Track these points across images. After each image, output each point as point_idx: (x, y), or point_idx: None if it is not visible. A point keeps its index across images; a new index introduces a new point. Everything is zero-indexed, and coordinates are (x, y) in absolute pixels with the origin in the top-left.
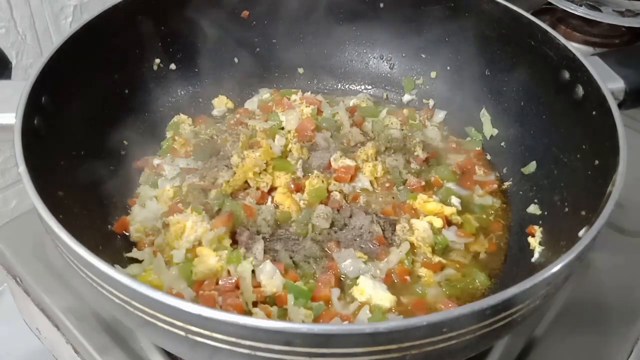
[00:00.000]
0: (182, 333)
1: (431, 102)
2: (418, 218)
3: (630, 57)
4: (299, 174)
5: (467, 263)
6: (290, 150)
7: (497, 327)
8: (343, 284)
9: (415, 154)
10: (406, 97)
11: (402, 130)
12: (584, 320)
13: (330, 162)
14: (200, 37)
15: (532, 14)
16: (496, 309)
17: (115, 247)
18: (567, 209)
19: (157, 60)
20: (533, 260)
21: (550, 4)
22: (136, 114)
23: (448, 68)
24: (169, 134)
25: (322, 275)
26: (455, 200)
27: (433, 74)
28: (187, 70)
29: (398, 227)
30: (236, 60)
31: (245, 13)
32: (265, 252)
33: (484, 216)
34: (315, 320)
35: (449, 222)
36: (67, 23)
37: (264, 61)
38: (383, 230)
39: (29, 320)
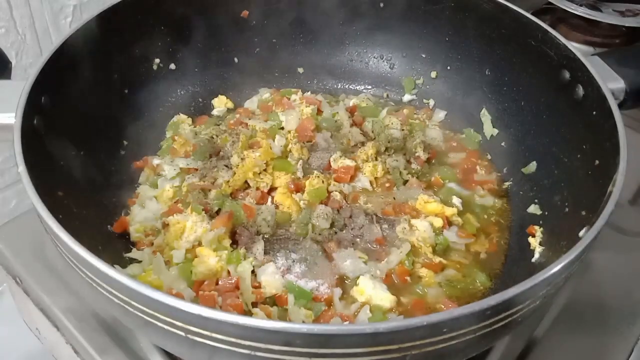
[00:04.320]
0: (182, 333)
1: (431, 102)
2: (418, 218)
3: (631, 57)
4: (299, 174)
5: (468, 263)
6: (290, 151)
7: (498, 327)
8: (344, 284)
9: (417, 154)
10: (406, 97)
11: (403, 130)
12: (584, 320)
13: (330, 162)
14: (200, 37)
15: (532, 14)
16: (496, 309)
17: (115, 247)
18: (567, 209)
19: (157, 60)
20: (533, 260)
21: (550, 4)
22: (136, 113)
23: (448, 68)
24: (169, 134)
25: None
26: (456, 200)
27: (433, 74)
28: (187, 70)
29: (398, 227)
30: (236, 60)
31: (245, 13)
32: (265, 252)
33: (485, 216)
34: (316, 320)
35: (449, 223)
36: (67, 23)
37: (264, 61)
38: (383, 231)
39: (29, 320)
